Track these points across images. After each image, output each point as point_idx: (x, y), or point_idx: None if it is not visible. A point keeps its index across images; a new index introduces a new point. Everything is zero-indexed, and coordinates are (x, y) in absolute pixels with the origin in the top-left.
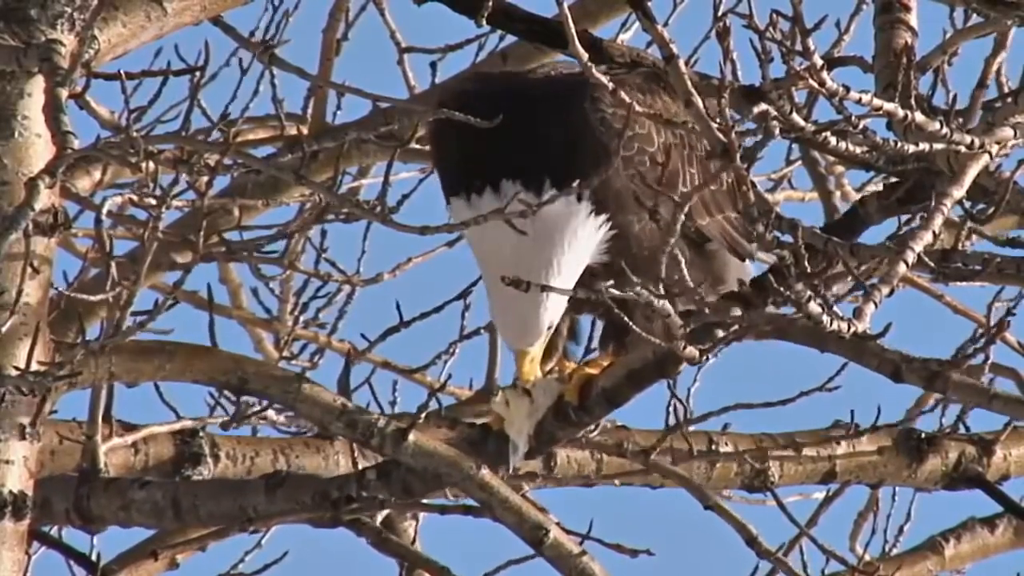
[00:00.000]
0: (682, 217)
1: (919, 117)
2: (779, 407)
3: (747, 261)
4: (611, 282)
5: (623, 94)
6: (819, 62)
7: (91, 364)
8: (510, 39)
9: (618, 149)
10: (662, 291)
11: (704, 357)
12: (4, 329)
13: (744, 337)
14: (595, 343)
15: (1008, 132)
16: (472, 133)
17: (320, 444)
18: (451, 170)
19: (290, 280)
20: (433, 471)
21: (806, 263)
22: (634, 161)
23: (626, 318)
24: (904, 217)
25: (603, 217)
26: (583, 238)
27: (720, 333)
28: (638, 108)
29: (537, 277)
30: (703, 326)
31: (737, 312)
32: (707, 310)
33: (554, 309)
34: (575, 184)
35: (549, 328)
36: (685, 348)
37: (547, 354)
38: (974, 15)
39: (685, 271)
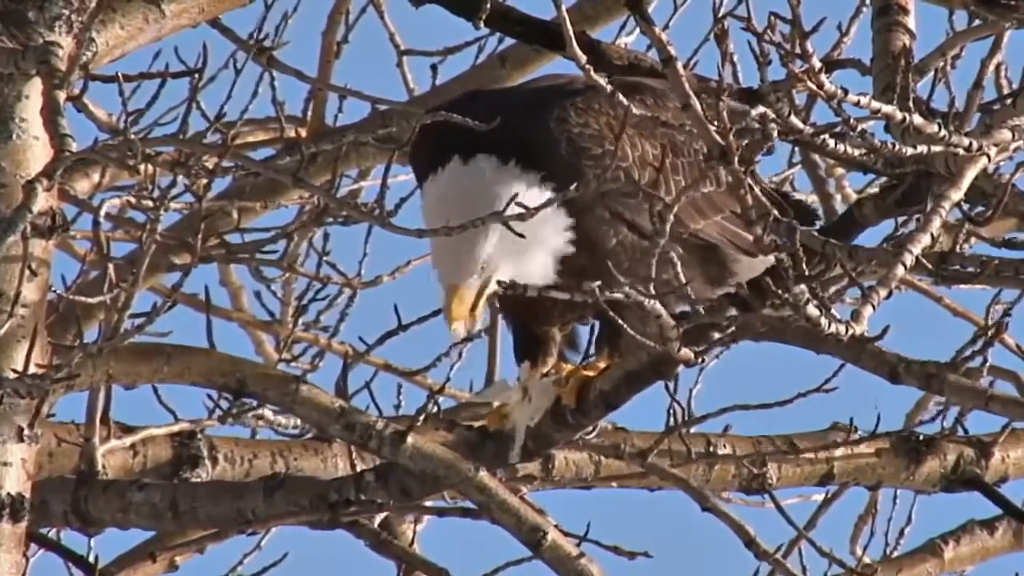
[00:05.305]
0: (671, 218)
1: (917, 119)
2: (777, 408)
3: (759, 257)
4: (598, 283)
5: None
6: (817, 65)
7: (89, 366)
8: (509, 41)
9: (582, 164)
10: (652, 291)
11: (699, 359)
12: (2, 331)
13: (740, 339)
14: (591, 347)
15: (1006, 135)
16: (445, 130)
17: (318, 446)
18: (423, 160)
19: (291, 283)
20: (431, 473)
21: (804, 265)
22: (607, 177)
23: (619, 320)
24: (901, 219)
25: (569, 220)
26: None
27: (715, 335)
28: (635, 110)
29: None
30: (698, 327)
31: (731, 313)
32: (700, 309)
33: (496, 251)
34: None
35: (483, 270)
36: (680, 350)
37: (544, 358)
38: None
39: (680, 272)
